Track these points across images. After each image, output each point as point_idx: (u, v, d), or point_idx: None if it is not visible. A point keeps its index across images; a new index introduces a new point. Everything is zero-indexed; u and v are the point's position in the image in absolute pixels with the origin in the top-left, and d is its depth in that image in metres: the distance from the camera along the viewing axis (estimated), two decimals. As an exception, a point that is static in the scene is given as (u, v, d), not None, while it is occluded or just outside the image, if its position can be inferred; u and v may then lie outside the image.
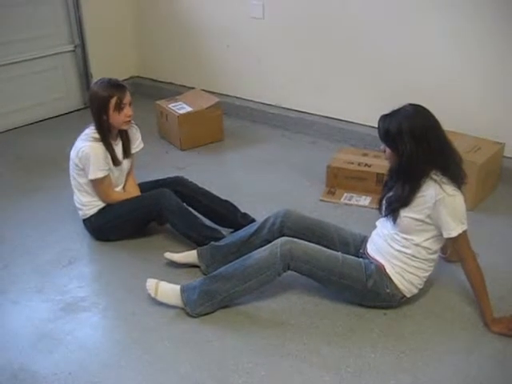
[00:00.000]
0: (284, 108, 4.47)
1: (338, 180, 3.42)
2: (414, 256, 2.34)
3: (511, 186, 3.43)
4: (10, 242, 3.04)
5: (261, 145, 4.18)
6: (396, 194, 2.33)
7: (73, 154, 2.88)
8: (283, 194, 3.38)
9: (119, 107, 2.78)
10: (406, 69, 3.75)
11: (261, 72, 4.52)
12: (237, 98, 4.71)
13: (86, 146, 2.80)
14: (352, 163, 3.43)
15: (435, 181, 2.24)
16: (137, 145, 3.06)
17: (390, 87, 3.77)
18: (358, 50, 3.94)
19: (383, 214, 2.42)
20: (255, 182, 3.61)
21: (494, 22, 3.32)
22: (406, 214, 2.30)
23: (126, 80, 4.99)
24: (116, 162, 2.91)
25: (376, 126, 2.34)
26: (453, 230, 2.25)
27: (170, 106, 4.17)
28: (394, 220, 2.33)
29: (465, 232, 2.28)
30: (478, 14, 3.36)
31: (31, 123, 4.61)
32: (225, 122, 4.28)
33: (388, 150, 2.31)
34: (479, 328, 2.35)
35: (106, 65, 4.80)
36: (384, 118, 2.29)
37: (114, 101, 2.76)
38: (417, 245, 2.33)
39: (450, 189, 2.23)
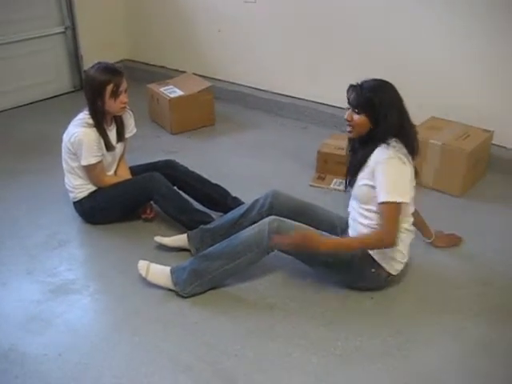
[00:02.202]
0: (276, 93, 4.47)
1: (328, 166, 3.43)
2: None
3: (499, 174, 3.46)
4: (-1, 224, 3.04)
5: (252, 130, 4.18)
6: (355, 158, 2.40)
7: (65, 138, 2.86)
8: (273, 179, 3.38)
9: (115, 94, 2.75)
10: (398, 57, 3.75)
11: (253, 56, 4.50)
12: (229, 82, 4.69)
13: (80, 131, 2.79)
14: (342, 149, 3.43)
15: (384, 145, 2.28)
16: (130, 130, 3.05)
17: (382, 74, 3.76)
18: (351, 36, 3.94)
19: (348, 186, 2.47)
20: (246, 167, 3.62)
21: (486, 11, 3.32)
22: (362, 181, 2.34)
23: (117, 63, 4.95)
24: (109, 147, 2.90)
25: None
26: (379, 195, 2.26)
27: (161, 89, 4.16)
28: (352, 186, 2.40)
29: (394, 204, 2.24)
30: (473, 4, 3.36)
31: (20, 105, 4.57)
32: (216, 106, 4.27)
33: (359, 117, 2.31)
34: (466, 312, 2.39)
35: (96, 47, 4.76)
36: (361, 87, 2.31)
37: (110, 87, 2.73)
38: (376, 213, 2.34)
39: (393, 155, 2.26)
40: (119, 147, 2.99)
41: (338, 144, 3.49)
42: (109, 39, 5.05)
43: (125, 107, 2.86)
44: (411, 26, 3.64)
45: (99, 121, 2.82)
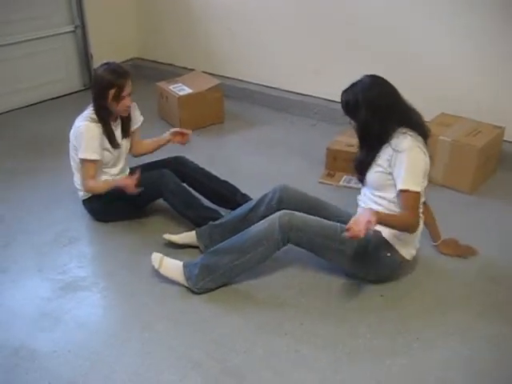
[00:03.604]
0: (285, 90, 4.46)
1: (337, 163, 3.42)
2: (393, 211, 2.36)
3: (510, 171, 3.43)
4: (9, 222, 3.05)
5: (261, 127, 4.18)
6: (360, 157, 2.44)
7: (71, 134, 2.88)
8: (283, 176, 3.37)
9: (117, 98, 2.76)
10: (408, 53, 3.73)
11: (262, 54, 4.50)
12: (238, 80, 4.69)
13: (83, 125, 2.79)
14: (352, 146, 3.41)
15: (402, 133, 2.31)
16: (137, 120, 3.05)
17: (393, 71, 3.73)
18: (359, 33, 3.92)
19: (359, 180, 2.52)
20: (255, 164, 3.61)
21: (494, 5, 3.30)
22: (376, 169, 2.37)
23: (126, 61, 4.98)
24: (115, 144, 2.90)
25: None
26: (399, 183, 2.28)
27: (170, 87, 4.17)
28: (362, 181, 2.45)
29: (415, 193, 2.28)
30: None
31: (30, 105, 4.59)
32: (225, 104, 4.27)
33: (353, 122, 2.40)
34: (475, 311, 2.37)
35: (106, 46, 4.78)
36: (344, 92, 2.39)
37: (113, 92, 2.74)
38: (389, 201, 2.36)
39: (413, 144, 2.28)
40: (125, 143, 3.00)
41: (348, 141, 3.48)
42: (118, 38, 5.06)
43: (127, 110, 2.87)
44: (420, 24, 3.61)
45: (103, 118, 2.83)
